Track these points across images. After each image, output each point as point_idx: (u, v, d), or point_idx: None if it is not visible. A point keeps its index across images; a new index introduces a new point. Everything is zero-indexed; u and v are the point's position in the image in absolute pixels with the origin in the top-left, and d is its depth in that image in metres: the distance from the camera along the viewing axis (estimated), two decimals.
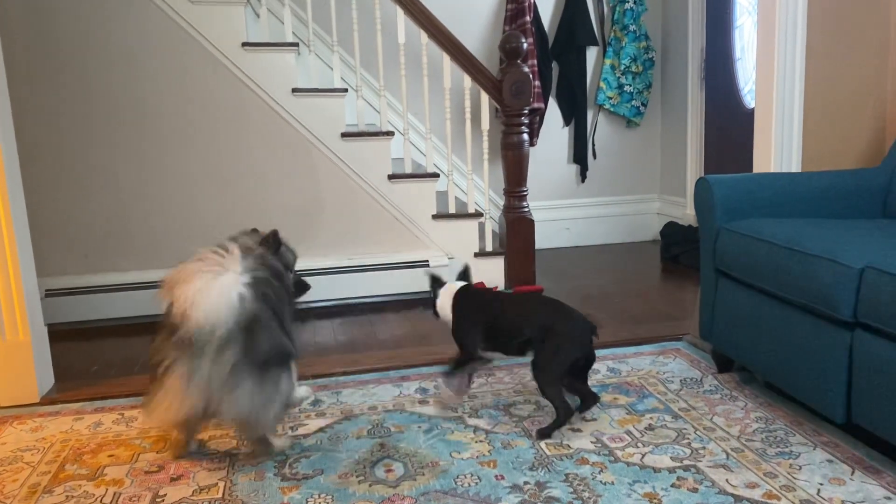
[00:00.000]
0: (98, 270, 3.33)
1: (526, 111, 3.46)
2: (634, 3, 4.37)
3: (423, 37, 3.43)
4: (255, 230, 2.18)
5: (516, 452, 1.94)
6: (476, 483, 1.80)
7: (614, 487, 1.75)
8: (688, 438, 1.99)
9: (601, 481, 1.78)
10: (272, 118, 3.37)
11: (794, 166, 2.69)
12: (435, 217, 3.56)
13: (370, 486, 1.80)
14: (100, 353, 2.87)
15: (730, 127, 4.07)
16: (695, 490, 1.73)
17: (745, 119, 3.81)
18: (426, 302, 2.39)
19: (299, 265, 2.31)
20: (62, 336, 3.02)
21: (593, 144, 4.59)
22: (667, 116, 4.61)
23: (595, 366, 2.52)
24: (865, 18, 2.65)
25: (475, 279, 2.33)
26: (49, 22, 3.15)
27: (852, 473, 1.77)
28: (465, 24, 4.24)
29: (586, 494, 1.73)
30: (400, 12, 3.39)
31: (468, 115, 3.55)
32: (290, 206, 3.42)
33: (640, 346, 2.71)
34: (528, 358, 2.06)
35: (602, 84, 4.48)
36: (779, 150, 2.70)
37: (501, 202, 3.78)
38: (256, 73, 3.31)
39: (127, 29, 3.20)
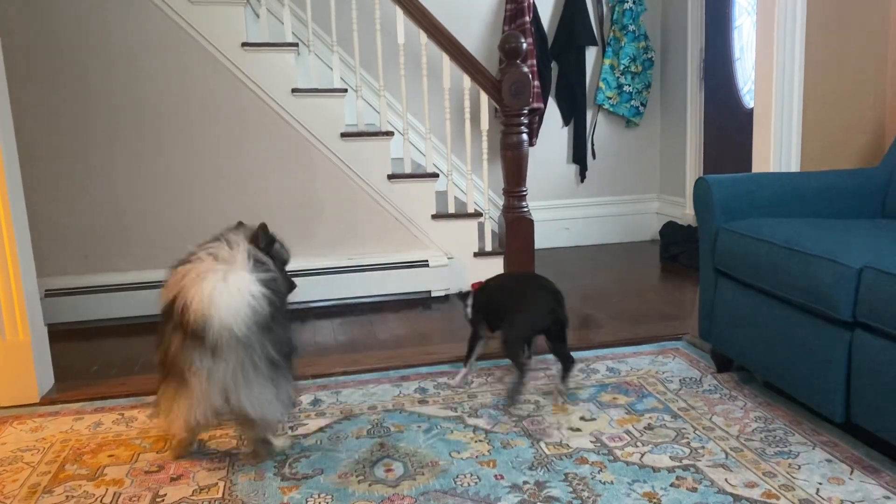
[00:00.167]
0: (98, 270, 3.33)
1: (525, 111, 3.46)
2: (633, 3, 4.37)
3: (423, 37, 3.43)
4: (241, 223, 2.17)
5: (516, 452, 1.94)
6: (476, 483, 1.80)
7: (614, 487, 1.76)
8: (687, 438, 1.99)
9: (600, 481, 1.78)
10: (272, 118, 3.37)
11: (794, 166, 2.70)
12: (434, 217, 3.56)
13: (370, 485, 1.80)
14: (100, 353, 2.87)
15: (729, 127, 4.08)
16: (694, 489, 1.73)
17: (744, 119, 3.82)
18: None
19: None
20: (62, 336, 3.03)
21: (592, 144, 4.60)
22: (666, 116, 4.61)
23: (594, 365, 2.53)
24: (864, 19, 2.66)
25: (474, 279, 2.61)
26: (49, 22, 3.15)
27: (851, 473, 1.77)
28: (465, 24, 4.24)
29: (585, 494, 1.73)
30: (399, 12, 3.40)
31: (467, 115, 3.55)
32: (290, 206, 3.43)
33: (640, 346, 2.71)
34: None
35: (601, 84, 4.48)
36: (778, 149, 2.70)
37: (501, 202, 3.79)
38: (256, 74, 3.32)
39: (127, 29, 3.20)
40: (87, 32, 3.18)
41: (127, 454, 2.03)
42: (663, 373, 2.46)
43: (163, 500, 1.78)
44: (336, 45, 3.48)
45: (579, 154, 4.56)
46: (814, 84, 2.68)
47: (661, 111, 4.65)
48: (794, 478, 1.76)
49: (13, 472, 1.95)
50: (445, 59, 3.46)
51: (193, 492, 1.81)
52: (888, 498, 1.66)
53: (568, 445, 1.97)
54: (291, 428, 2.13)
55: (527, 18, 4.10)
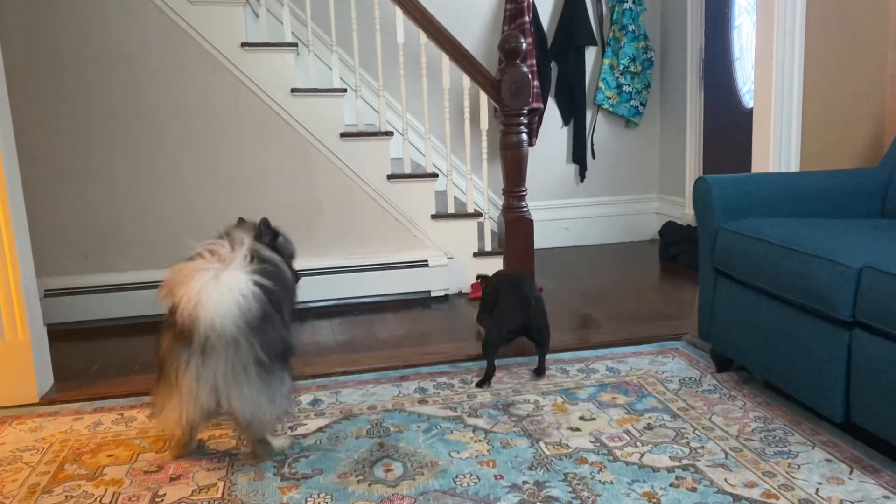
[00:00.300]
0: (97, 270, 3.33)
1: (525, 111, 3.46)
2: (633, 2, 4.37)
3: (422, 37, 3.43)
4: (242, 220, 2.17)
5: (515, 452, 1.94)
6: (475, 482, 1.80)
7: (613, 487, 1.75)
8: (686, 438, 1.99)
9: (600, 481, 1.78)
10: (271, 118, 3.37)
11: (793, 166, 2.70)
12: (434, 217, 3.56)
13: (369, 485, 1.80)
14: (99, 353, 2.87)
15: (728, 127, 4.08)
16: (693, 489, 1.73)
17: (743, 119, 3.82)
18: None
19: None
20: (61, 336, 3.03)
21: (592, 144, 4.60)
22: (665, 116, 4.62)
23: (594, 365, 2.53)
24: (864, 18, 2.66)
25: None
26: (48, 22, 3.15)
27: (851, 473, 1.77)
28: (464, 24, 4.24)
29: (585, 494, 1.73)
30: (399, 12, 3.40)
31: (467, 115, 3.55)
32: (289, 206, 3.43)
33: (639, 346, 2.71)
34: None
35: (601, 84, 4.49)
36: (777, 149, 2.70)
37: (500, 202, 3.79)
38: (255, 73, 3.32)
39: (126, 29, 3.20)
40: (87, 33, 3.18)
41: (126, 454, 2.03)
42: (663, 373, 2.46)
43: (162, 500, 1.78)
44: (335, 45, 3.48)
45: (579, 154, 4.56)
46: (813, 84, 2.68)
47: (660, 111, 4.65)
48: (793, 477, 1.76)
49: (12, 472, 1.95)
50: (445, 58, 3.46)
51: (193, 492, 1.81)
52: (888, 498, 1.66)
53: (567, 445, 1.97)
54: (291, 428, 2.13)
55: (526, 18, 4.10)
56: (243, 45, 3.29)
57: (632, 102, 4.52)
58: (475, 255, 3.59)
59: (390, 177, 3.50)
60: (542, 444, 1.98)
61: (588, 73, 4.51)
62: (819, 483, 1.73)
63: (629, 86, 4.49)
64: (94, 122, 3.24)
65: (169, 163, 3.32)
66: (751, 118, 2.86)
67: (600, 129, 4.61)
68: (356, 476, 1.85)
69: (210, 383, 1.78)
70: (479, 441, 2.01)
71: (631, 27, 4.40)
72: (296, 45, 3.40)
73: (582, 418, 2.13)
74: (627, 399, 2.26)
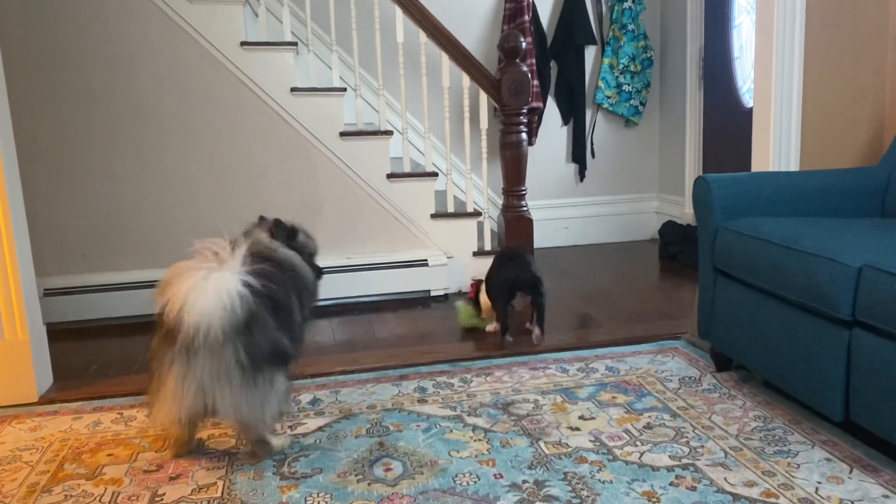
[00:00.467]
0: (97, 270, 3.33)
1: (524, 110, 3.46)
2: (633, 2, 4.37)
3: (422, 36, 3.43)
4: (262, 218, 2.18)
5: (515, 451, 1.94)
6: (475, 482, 1.80)
7: (613, 486, 1.75)
8: (686, 437, 1.99)
9: (600, 480, 1.78)
10: (271, 117, 3.37)
11: (793, 165, 2.70)
12: (434, 216, 3.56)
13: (369, 484, 1.80)
14: (98, 352, 2.87)
15: (728, 126, 4.08)
16: (693, 489, 1.73)
17: (743, 118, 3.82)
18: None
19: None
20: (61, 335, 3.02)
21: (592, 143, 4.60)
22: (665, 115, 4.61)
23: (593, 364, 2.53)
24: (864, 17, 2.65)
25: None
26: (48, 21, 3.15)
27: (850, 472, 1.77)
28: (464, 23, 4.24)
29: (585, 493, 1.73)
30: (398, 11, 3.40)
31: (467, 115, 3.55)
32: (289, 206, 3.42)
33: (639, 345, 2.71)
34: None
35: (600, 83, 4.48)
36: (777, 148, 2.70)
37: (500, 201, 3.79)
38: (255, 73, 3.31)
39: (126, 28, 3.20)
40: (87, 32, 3.18)
41: (126, 453, 2.02)
42: (662, 372, 2.46)
43: (161, 500, 1.78)
44: (335, 44, 3.48)
45: (578, 153, 4.56)
46: (813, 83, 2.68)
47: (660, 110, 4.65)
48: (793, 477, 1.76)
49: (12, 471, 1.95)
50: (445, 58, 3.45)
51: (192, 491, 1.81)
52: (887, 497, 1.66)
53: (567, 444, 1.97)
54: (290, 427, 2.13)
55: (526, 17, 4.10)
56: (243, 44, 3.28)
57: (631, 102, 4.52)
58: (475, 254, 3.59)
59: (390, 176, 3.50)
60: (541, 444, 1.98)
61: (588, 73, 4.51)
62: (819, 482, 1.73)
63: (629, 85, 4.49)
64: (93, 122, 3.24)
65: (168, 162, 3.32)
66: (750, 117, 2.86)
67: (600, 129, 4.60)
68: (356, 475, 1.85)
69: (195, 384, 1.77)
70: (479, 440, 2.01)
71: (630, 26, 4.40)
72: (295, 44, 3.40)
73: (581, 417, 2.13)
74: (627, 398, 2.26)
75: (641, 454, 1.90)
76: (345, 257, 3.48)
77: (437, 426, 2.11)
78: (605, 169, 4.64)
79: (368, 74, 4.07)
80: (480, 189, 4.19)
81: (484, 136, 3.59)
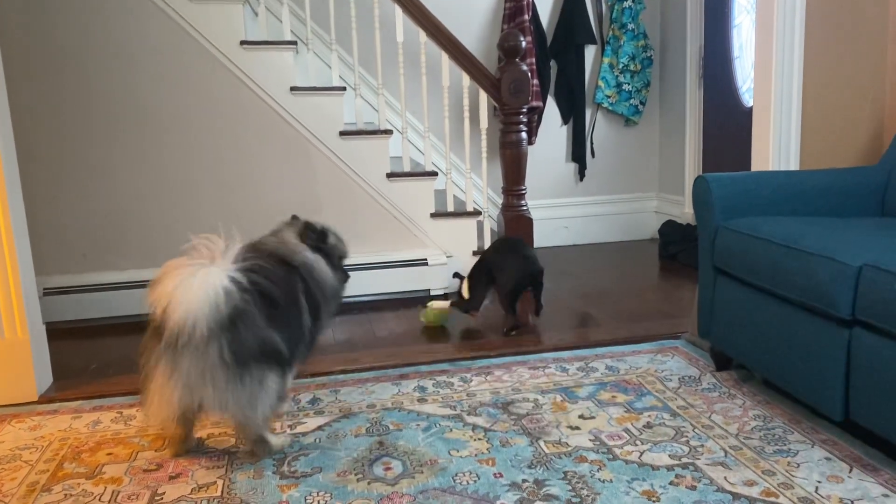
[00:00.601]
0: (96, 269, 3.33)
1: (524, 110, 3.46)
2: (633, 1, 4.37)
3: (422, 35, 3.43)
4: (295, 217, 2.19)
5: (515, 450, 1.94)
6: (475, 481, 1.80)
7: (613, 485, 1.75)
8: (686, 436, 1.99)
9: (599, 479, 1.78)
10: (270, 116, 3.37)
11: (793, 164, 2.70)
12: (433, 216, 3.56)
13: (369, 483, 1.80)
14: (98, 351, 2.87)
15: (728, 125, 4.08)
16: (693, 488, 1.73)
17: (743, 117, 3.82)
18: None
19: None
20: (60, 334, 3.02)
21: (592, 143, 4.60)
22: (665, 115, 4.61)
23: (593, 364, 2.53)
24: (863, 17, 2.65)
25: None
26: (48, 21, 3.14)
27: (850, 471, 1.77)
28: (464, 22, 4.24)
29: (585, 492, 1.73)
30: (398, 11, 3.39)
31: (467, 114, 3.55)
32: (289, 205, 3.42)
33: (639, 345, 2.71)
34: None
35: (600, 83, 4.48)
36: (777, 148, 2.70)
37: (500, 201, 3.79)
38: (255, 72, 3.31)
39: (125, 28, 3.20)
40: (87, 31, 3.18)
41: (125, 452, 2.02)
42: (662, 371, 2.46)
43: (161, 499, 1.78)
44: (334, 44, 3.48)
45: (578, 153, 4.56)
46: (813, 82, 2.68)
47: (660, 110, 4.65)
48: (792, 476, 1.76)
49: (11, 470, 1.95)
50: (444, 57, 3.45)
51: (192, 490, 1.81)
52: (887, 496, 1.66)
53: (567, 444, 1.97)
54: (290, 426, 2.13)
55: (526, 17, 4.10)
56: (242, 43, 3.28)
57: (631, 101, 4.52)
58: (474, 253, 3.58)
59: (390, 175, 3.50)
60: (541, 443, 1.98)
61: (587, 72, 4.51)
62: (818, 481, 1.73)
63: (629, 84, 4.49)
64: (93, 121, 3.24)
65: (168, 161, 3.32)
66: (750, 117, 2.85)
67: (600, 128, 4.60)
68: (355, 474, 1.85)
69: (181, 382, 1.77)
70: (479, 439, 2.01)
71: (630, 26, 4.40)
72: (295, 43, 3.40)
73: (581, 417, 2.13)
74: (627, 397, 2.26)
75: (641, 453, 1.90)
76: None
77: (437, 425, 2.11)
78: (604, 168, 4.64)
79: (368, 74, 4.07)
80: (480, 188, 4.19)
81: (484, 136, 3.58)
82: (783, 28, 2.65)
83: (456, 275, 3.13)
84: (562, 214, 4.62)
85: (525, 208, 3.55)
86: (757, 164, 2.79)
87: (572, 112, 4.51)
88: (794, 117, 2.69)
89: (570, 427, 2.07)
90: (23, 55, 3.13)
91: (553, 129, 4.54)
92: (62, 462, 1.98)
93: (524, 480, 1.79)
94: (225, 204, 3.37)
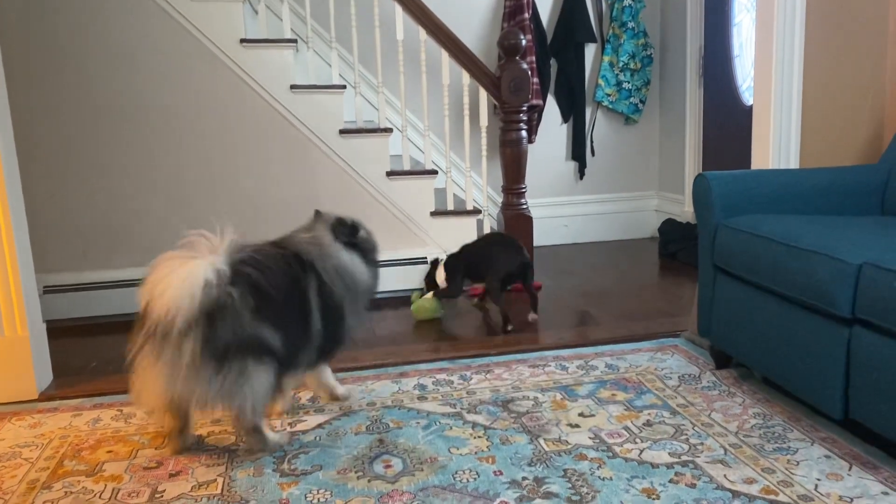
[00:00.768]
0: (96, 267, 3.33)
1: (524, 108, 3.46)
2: None
3: (422, 33, 3.43)
4: (318, 212, 2.18)
5: (515, 448, 1.94)
6: (475, 479, 1.80)
7: (612, 483, 1.76)
8: (686, 434, 1.99)
9: (599, 477, 1.79)
10: (270, 115, 3.36)
11: (793, 163, 2.70)
12: (433, 214, 3.56)
13: (369, 481, 1.80)
14: (98, 349, 2.87)
15: (728, 124, 4.08)
16: (693, 485, 1.73)
17: (743, 116, 3.82)
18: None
19: None
20: (60, 332, 3.02)
21: (592, 141, 4.59)
22: (665, 113, 4.61)
23: (593, 362, 2.54)
24: (863, 15, 2.65)
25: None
26: (48, 19, 3.14)
27: (850, 469, 1.78)
28: (464, 20, 4.24)
29: (584, 490, 1.73)
30: (398, 9, 3.39)
31: (467, 112, 3.55)
32: (289, 203, 3.42)
33: (638, 343, 2.71)
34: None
35: (600, 81, 4.48)
36: (777, 146, 2.70)
37: (500, 199, 3.79)
38: (255, 70, 3.31)
39: (126, 26, 3.20)
40: (87, 30, 3.18)
41: (125, 450, 2.03)
42: (662, 369, 2.46)
43: (161, 496, 1.78)
44: (334, 42, 3.48)
45: (578, 151, 4.56)
46: (813, 81, 2.68)
47: (660, 108, 4.65)
48: (792, 474, 1.77)
49: (12, 468, 1.95)
50: (444, 55, 3.45)
51: (192, 488, 1.81)
52: (886, 494, 1.66)
53: (567, 442, 1.97)
54: (291, 424, 2.13)
55: (526, 15, 4.10)
56: (242, 41, 3.28)
57: (631, 99, 4.52)
58: None
59: (389, 174, 3.50)
60: (541, 441, 1.98)
61: (588, 70, 4.51)
62: (818, 479, 1.74)
63: (629, 83, 4.49)
64: (93, 119, 3.24)
65: (168, 159, 3.32)
66: (750, 115, 2.86)
67: (600, 127, 4.60)
68: (356, 472, 1.85)
69: (161, 373, 1.78)
70: (479, 437, 2.01)
71: (630, 24, 4.40)
72: (295, 41, 3.40)
73: (581, 415, 2.13)
74: (627, 396, 2.26)
75: (641, 451, 1.90)
76: None
77: (437, 423, 2.11)
78: (604, 167, 4.64)
79: (368, 72, 4.07)
80: (480, 187, 4.19)
81: (484, 134, 3.58)
82: (783, 27, 2.65)
83: (434, 261, 3.18)
84: (562, 213, 4.62)
85: (525, 207, 3.55)
86: (757, 163, 2.79)
87: (572, 110, 4.51)
88: (794, 116, 2.69)
89: (570, 425, 2.07)
90: (23, 54, 3.13)
91: (553, 128, 4.54)
92: (62, 460, 1.98)
93: (524, 478, 1.79)
94: (225, 201, 3.37)
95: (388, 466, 1.87)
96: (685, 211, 4.38)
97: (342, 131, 3.43)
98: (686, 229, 4.15)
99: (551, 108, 4.50)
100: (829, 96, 2.69)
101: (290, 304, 1.94)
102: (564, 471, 1.82)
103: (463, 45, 3.45)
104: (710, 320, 2.41)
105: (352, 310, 2.09)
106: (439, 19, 3.42)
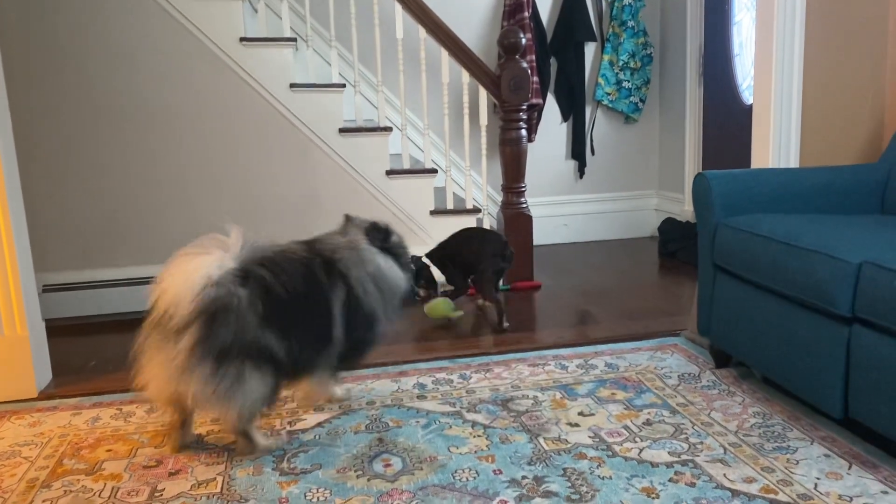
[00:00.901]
0: (96, 266, 3.32)
1: (524, 107, 3.46)
2: None
3: (422, 32, 3.43)
4: (348, 217, 2.18)
5: (514, 447, 1.94)
6: (474, 477, 1.80)
7: (612, 482, 1.76)
8: (685, 433, 1.99)
9: (599, 476, 1.78)
10: (270, 113, 3.36)
11: (792, 162, 2.69)
12: (433, 213, 3.56)
13: (368, 480, 1.80)
14: (97, 348, 2.87)
15: (728, 123, 4.07)
16: (692, 484, 1.73)
17: (743, 115, 3.82)
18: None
19: None
20: (60, 331, 3.02)
21: (591, 140, 4.59)
22: (665, 112, 4.61)
23: (593, 361, 2.54)
24: (863, 14, 2.65)
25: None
26: (48, 19, 3.14)
27: (849, 468, 1.78)
28: (464, 19, 4.23)
29: (584, 489, 1.73)
30: (398, 7, 3.39)
31: (466, 111, 3.55)
32: (288, 202, 3.42)
33: (638, 342, 2.71)
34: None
35: (600, 80, 4.48)
36: (777, 145, 2.70)
37: (499, 198, 3.78)
38: (254, 69, 3.31)
39: (126, 26, 3.20)
40: (87, 30, 3.18)
41: (125, 449, 2.02)
42: (662, 368, 2.46)
43: (161, 495, 1.78)
44: (334, 40, 3.48)
45: (578, 150, 4.56)
46: (813, 80, 2.67)
47: (660, 107, 4.65)
48: (792, 473, 1.77)
49: (11, 466, 1.95)
50: (444, 54, 3.45)
51: (192, 486, 1.81)
52: (886, 493, 1.66)
53: (566, 440, 1.97)
54: (290, 423, 2.13)
55: (526, 14, 4.09)
56: (242, 39, 3.28)
57: (631, 98, 4.52)
58: None
59: (389, 173, 3.50)
60: (541, 440, 1.98)
61: (587, 69, 4.50)
62: (817, 478, 1.74)
63: (628, 82, 4.49)
64: (92, 118, 3.24)
65: (167, 158, 3.32)
66: (750, 114, 2.85)
67: (599, 126, 4.60)
68: (355, 471, 1.85)
69: (161, 368, 1.79)
70: (478, 436, 2.01)
71: (630, 23, 4.40)
72: (294, 40, 3.40)
73: (581, 414, 2.13)
74: (626, 395, 2.26)
75: (641, 450, 1.90)
76: None
77: (437, 422, 2.11)
78: (604, 166, 4.64)
79: (368, 71, 4.07)
80: (480, 186, 4.19)
81: (483, 133, 3.58)
82: (783, 26, 2.65)
83: (419, 266, 3.06)
84: (561, 212, 4.62)
85: (524, 206, 3.55)
86: (757, 162, 2.79)
87: (572, 109, 4.51)
88: (794, 115, 2.68)
89: (570, 424, 2.07)
90: (22, 54, 3.13)
91: (553, 127, 4.54)
92: (62, 458, 1.98)
93: (524, 477, 1.79)
94: (224, 200, 3.37)
95: (387, 465, 1.87)
96: (685, 210, 4.38)
97: (342, 130, 3.43)
98: (686, 228, 4.15)
99: (551, 107, 4.50)
100: (829, 95, 2.69)
101: (305, 311, 1.90)
102: (564, 470, 1.82)
103: (463, 44, 3.45)
104: (709, 319, 2.41)
105: (385, 314, 2.09)
106: (439, 18, 3.42)
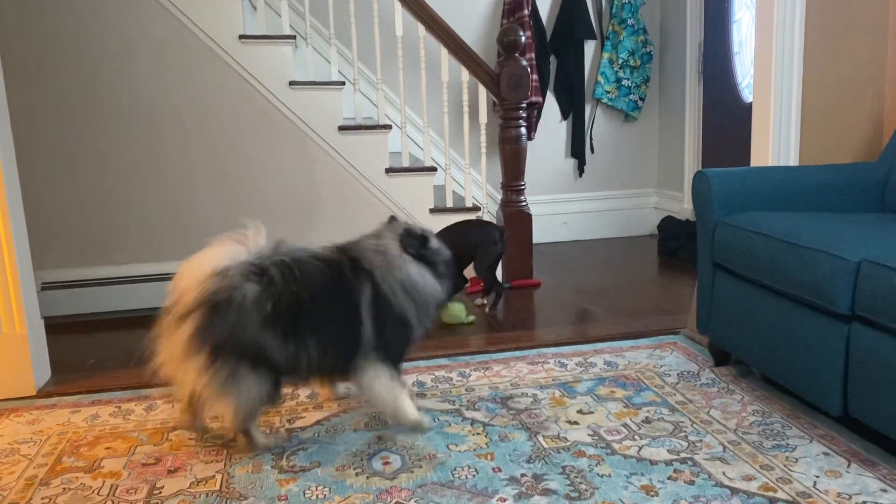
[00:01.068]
0: (94, 264, 3.32)
1: (524, 105, 3.45)
2: None
3: (421, 30, 3.42)
4: (393, 218, 2.10)
5: (513, 445, 1.94)
6: (473, 475, 1.80)
7: (611, 480, 1.76)
8: (685, 431, 1.99)
9: (598, 474, 1.78)
10: (269, 111, 3.36)
11: (792, 160, 2.69)
12: (432, 211, 3.56)
13: (367, 478, 1.80)
14: (96, 345, 2.87)
15: (727, 121, 4.07)
16: (691, 482, 1.73)
17: (742, 113, 3.82)
18: None
19: None
20: (59, 329, 3.02)
21: (591, 138, 4.59)
22: (665, 111, 4.61)
23: (592, 359, 2.54)
24: (863, 12, 2.65)
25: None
26: (47, 15, 3.13)
27: (848, 466, 1.78)
28: (463, 17, 4.23)
29: (583, 487, 1.73)
30: (397, 5, 3.39)
31: (466, 109, 3.55)
32: (288, 200, 3.42)
33: (637, 340, 2.71)
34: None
35: (600, 78, 4.48)
36: (776, 143, 2.70)
37: (499, 196, 3.78)
38: (253, 66, 3.30)
39: (125, 22, 3.19)
40: (86, 26, 3.17)
41: (124, 447, 2.02)
42: (661, 366, 2.46)
43: (160, 493, 1.78)
44: (333, 38, 3.47)
45: (578, 148, 4.55)
46: (813, 78, 2.67)
47: (659, 105, 4.65)
48: (791, 471, 1.77)
49: (10, 464, 1.95)
50: (444, 52, 3.45)
51: (191, 484, 1.81)
52: (885, 491, 1.66)
53: (566, 438, 1.97)
54: (289, 421, 2.13)
55: (525, 12, 4.09)
56: (241, 37, 3.27)
57: (631, 97, 4.51)
58: None
59: (388, 170, 3.49)
60: (540, 438, 1.98)
61: (587, 67, 4.50)
62: (817, 476, 1.74)
63: (628, 80, 4.48)
64: (92, 116, 3.23)
65: (167, 156, 3.31)
66: (750, 112, 2.85)
67: (599, 124, 4.60)
68: (354, 469, 1.85)
69: (167, 354, 1.81)
70: (478, 434, 2.01)
71: (630, 21, 4.39)
72: (294, 37, 3.39)
73: (580, 412, 2.13)
74: (625, 393, 2.26)
75: (640, 448, 1.90)
76: None
77: (436, 420, 2.11)
78: (604, 164, 4.64)
79: (367, 68, 4.06)
80: (479, 184, 4.19)
81: (483, 131, 3.58)
82: (783, 24, 2.64)
83: None
84: (561, 210, 4.61)
85: (524, 204, 3.55)
86: (756, 160, 2.79)
87: (572, 107, 4.51)
88: (794, 113, 2.68)
89: (569, 422, 2.07)
90: (22, 51, 3.12)
91: (552, 125, 4.53)
92: (60, 456, 1.98)
93: (523, 475, 1.79)
94: (223, 198, 3.36)
95: (386, 463, 1.87)
96: (684, 208, 4.37)
97: (341, 128, 3.42)
98: (685, 226, 4.15)
99: (551, 105, 4.50)
100: (828, 93, 2.69)
101: (324, 314, 1.87)
102: (563, 467, 1.82)
103: (462, 42, 3.45)
104: (709, 317, 2.41)
105: (419, 322, 2.00)
106: (438, 15, 3.41)
